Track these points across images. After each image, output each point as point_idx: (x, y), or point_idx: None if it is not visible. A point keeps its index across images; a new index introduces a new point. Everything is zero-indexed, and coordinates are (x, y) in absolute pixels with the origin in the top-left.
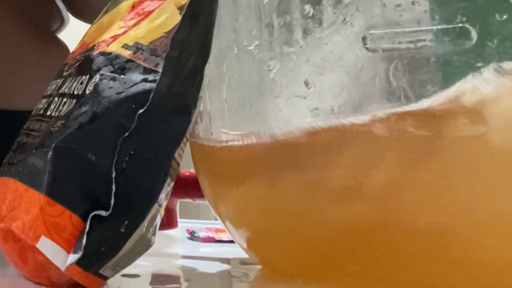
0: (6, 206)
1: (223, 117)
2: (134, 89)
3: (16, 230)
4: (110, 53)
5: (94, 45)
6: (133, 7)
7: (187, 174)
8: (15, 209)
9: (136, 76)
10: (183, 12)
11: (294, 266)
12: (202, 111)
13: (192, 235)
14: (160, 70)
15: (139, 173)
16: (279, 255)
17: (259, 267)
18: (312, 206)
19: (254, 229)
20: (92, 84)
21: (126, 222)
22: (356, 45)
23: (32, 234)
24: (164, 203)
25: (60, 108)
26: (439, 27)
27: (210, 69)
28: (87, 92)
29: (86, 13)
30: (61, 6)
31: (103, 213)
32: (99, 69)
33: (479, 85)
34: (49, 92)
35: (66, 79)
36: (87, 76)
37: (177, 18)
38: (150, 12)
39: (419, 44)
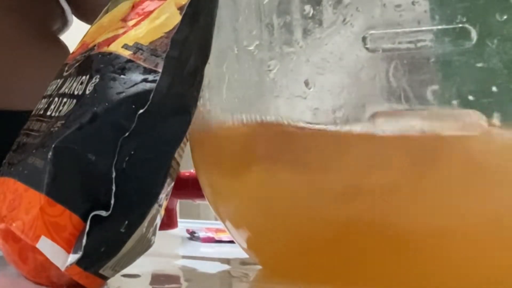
0: (6, 206)
1: (223, 117)
2: (134, 89)
3: (16, 230)
4: (110, 53)
5: (94, 45)
6: (133, 7)
7: (187, 174)
8: (15, 209)
9: (136, 76)
10: (183, 12)
11: (294, 266)
12: (202, 111)
13: (192, 235)
14: (160, 70)
15: (139, 173)
16: (279, 255)
17: (259, 267)
18: (312, 206)
19: (254, 229)
20: (92, 84)
21: (126, 222)
22: (356, 45)
23: (32, 234)
24: (164, 203)
25: (60, 108)
26: (439, 27)
27: (210, 69)
28: (87, 92)
29: (89, 15)
30: (66, 7)
31: (103, 213)
32: (99, 69)
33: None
34: (49, 92)
35: (66, 79)
36: (87, 76)
37: (177, 18)
38: (150, 12)
39: (419, 44)
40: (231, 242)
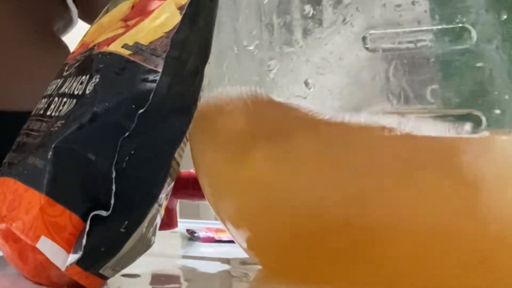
0: (6, 206)
1: (223, 115)
2: (134, 89)
3: (16, 230)
4: (110, 53)
5: (94, 45)
6: (133, 7)
7: (187, 174)
8: (15, 209)
9: (136, 76)
10: (183, 12)
11: (294, 266)
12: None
13: (192, 235)
14: (160, 70)
15: (139, 173)
16: (279, 255)
17: (259, 267)
18: (312, 206)
19: (254, 229)
20: (92, 84)
21: (126, 222)
22: (356, 45)
23: (32, 234)
24: (164, 203)
25: (60, 108)
26: (439, 27)
27: (210, 69)
28: (87, 92)
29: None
30: (73, 8)
31: (103, 213)
32: (99, 69)
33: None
34: (49, 92)
35: (66, 79)
36: (87, 76)
37: (177, 18)
38: (150, 12)
39: (419, 44)
40: (231, 242)
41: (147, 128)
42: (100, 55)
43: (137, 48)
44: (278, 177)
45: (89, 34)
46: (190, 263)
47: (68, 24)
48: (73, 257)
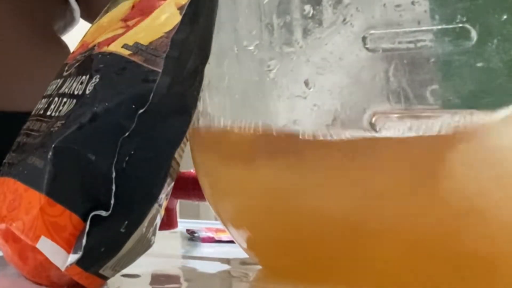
0: (6, 206)
1: (223, 117)
2: (134, 89)
3: (16, 230)
4: (110, 53)
5: (94, 45)
6: (133, 7)
7: (187, 174)
8: (15, 209)
9: (136, 76)
10: (183, 12)
11: (294, 266)
12: (202, 111)
13: (192, 235)
14: (160, 70)
15: (139, 173)
16: (279, 255)
17: (259, 267)
18: (312, 207)
19: (254, 229)
20: (92, 84)
21: (126, 222)
22: (356, 45)
23: (32, 234)
24: (164, 203)
25: (60, 108)
26: (439, 27)
27: (210, 69)
28: (87, 92)
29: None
30: (75, 7)
31: (103, 213)
32: (99, 69)
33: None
34: (49, 92)
35: (66, 79)
36: (87, 76)
37: (177, 18)
38: (150, 12)
39: (419, 44)
40: (231, 242)
41: (147, 128)
42: (100, 55)
43: (137, 48)
44: (278, 177)
45: (89, 34)
46: (190, 263)
47: (69, 23)
48: (73, 257)
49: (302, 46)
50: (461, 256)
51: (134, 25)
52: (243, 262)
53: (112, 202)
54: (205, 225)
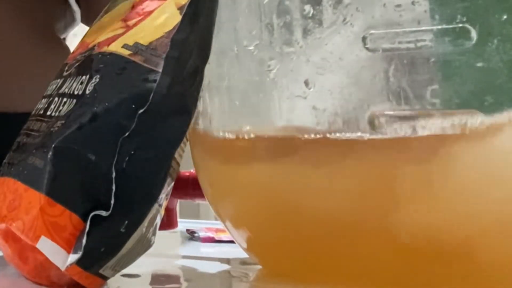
0: (6, 206)
1: (223, 117)
2: (134, 89)
3: (16, 230)
4: (110, 53)
5: (94, 45)
6: (133, 7)
7: (187, 174)
8: (15, 209)
9: (136, 76)
10: (183, 12)
11: (294, 266)
12: (202, 111)
13: (192, 235)
14: (160, 70)
15: (139, 173)
16: (279, 255)
17: (259, 267)
18: (312, 207)
19: (254, 229)
20: (92, 84)
21: (126, 222)
22: (356, 45)
23: (32, 234)
24: (164, 203)
25: (60, 108)
26: (439, 27)
27: (210, 69)
28: (87, 92)
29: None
30: (75, 8)
31: (103, 213)
32: (99, 69)
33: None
34: (49, 92)
35: (66, 79)
36: (87, 76)
37: (177, 18)
38: (150, 12)
39: (419, 44)
40: (231, 242)
41: (147, 128)
42: (100, 55)
43: (137, 48)
44: (278, 177)
45: (89, 34)
46: (190, 263)
47: (69, 24)
48: (73, 257)
49: (302, 46)
50: (462, 257)
51: (134, 25)
52: (243, 262)
53: (112, 202)
54: (205, 225)
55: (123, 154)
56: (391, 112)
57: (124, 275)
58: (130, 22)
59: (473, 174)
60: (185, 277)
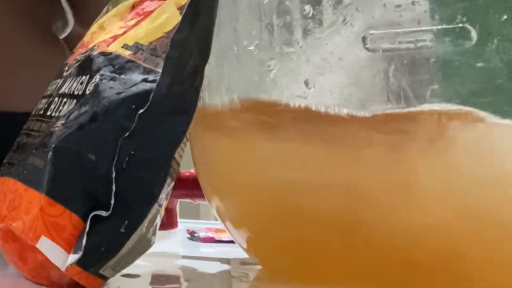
0: (6, 206)
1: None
2: (134, 89)
3: (16, 230)
4: (110, 53)
5: (94, 45)
6: (133, 7)
7: (187, 174)
8: (15, 209)
9: (136, 76)
10: (183, 12)
11: (294, 266)
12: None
13: (192, 235)
14: (160, 70)
15: (139, 173)
16: (279, 255)
17: (259, 267)
18: (312, 207)
19: (254, 229)
20: (92, 84)
21: (126, 222)
22: (356, 45)
23: (32, 234)
24: (164, 203)
25: (60, 108)
26: (439, 27)
27: (210, 69)
28: (87, 92)
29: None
30: (67, 9)
31: (103, 213)
32: (99, 69)
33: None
34: (49, 92)
35: (66, 79)
36: (87, 76)
37: (177, 18)
38: (150, 12)
39: (419, 44)
40: (231, 242)
41: (147, 128)
42: (100, 55)
43: (137, 48)
44: (278, 177)
45: (89, 34)
46: (190, 263)
47: (65, 24)
48: (73, 257)
49: (302, 46)
50: (462, 258)
51: (134, 25)
52: (243, 262)
53: (112, 202)
54: (205, 225)
55: (123, 154)
56: (391, 112)
57: (124, 275)
58: (130, 22)
59: (473, 173)
60: (185, 277)
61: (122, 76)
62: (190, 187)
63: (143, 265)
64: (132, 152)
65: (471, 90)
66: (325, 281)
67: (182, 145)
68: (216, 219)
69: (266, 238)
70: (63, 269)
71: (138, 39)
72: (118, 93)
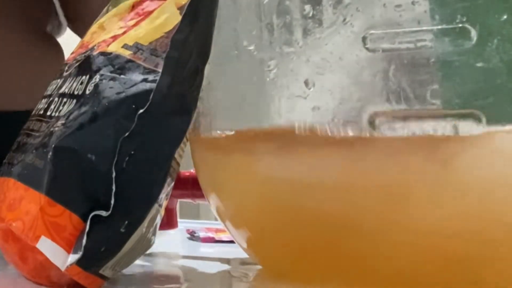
0: (6, 206)
1: (223, 117)
2: (134, 89)
3: (16, 230)
4: (110, 53)
5: (94, 45)
6: (133, 7)
7: (187, 174)
8: (15, 209)
9: (136, 76)
10: (183, 12)
11: (294, 266)
12: (203, 112)
13: (192, 235)
14: (160, 70)
15: (139, 173)
16: (279, 255)
17: (259, 267)
18: (312, 207)
19: (254, 229)
20: (92, 84)
21: (126, 222)
22: (356, 45)
23: (32, 234)
24: (164, 203)
25: (60, 108)
26: (439, 27)
27: (210, 69)
28: (87, 92)
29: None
30: (59, 11)
31: (103, 213)
32: (99, 69)
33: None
34: (49, 92)
35: (66, 79)
36: (87, 76)
37: (177, 18)
38: (150, 12)
39: (419, 44)
40: (231, 242)
41: (147, 128)
42: (100, 55)
43: (137, 48)
44: (279, 177)
45: (89, 34)
46: (190, 263)
47: (59, 25)
48: (73, 257)
49: (302, 46)
50: (463, 258)
51: (134, 25)
52: (243, 262)
53: (112, 202)
54: (205, 225)
55: (123, 154)
56: (391, 112)
57: (124, 275)
58: (130, 22)
59: (474, 174)
60: (185, 277)
61: (122, 76)
62: (190, 187)
63: (143, 265)
64: (132, 152)
65: (471, 90)
66: (325, 281)
67: (182, 145)
68: (216, 219)
69: (266, 238)
70: (63, 269)
71: (138, 39)
72: (118, 93)
